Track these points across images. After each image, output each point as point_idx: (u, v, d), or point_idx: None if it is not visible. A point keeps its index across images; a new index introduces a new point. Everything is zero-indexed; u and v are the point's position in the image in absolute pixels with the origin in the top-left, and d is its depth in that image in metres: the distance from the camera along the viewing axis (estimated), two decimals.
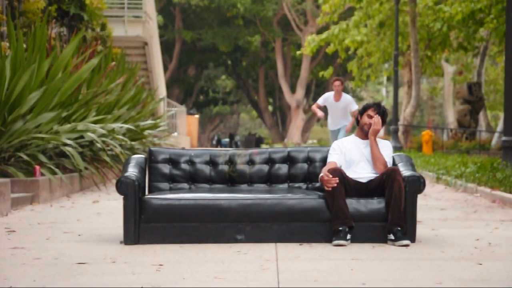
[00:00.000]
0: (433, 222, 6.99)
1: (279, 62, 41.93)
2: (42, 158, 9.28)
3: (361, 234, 5.51)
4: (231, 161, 6.18)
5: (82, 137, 10.26)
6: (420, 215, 7.06)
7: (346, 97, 13.07)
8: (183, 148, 6.47)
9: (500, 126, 27.58)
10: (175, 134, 28.71)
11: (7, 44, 10.61)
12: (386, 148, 5.95)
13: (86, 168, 10.41)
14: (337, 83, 13.00)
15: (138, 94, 14.06)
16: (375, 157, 5.82)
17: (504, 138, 11.66)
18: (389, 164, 5.86)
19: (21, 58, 9.27)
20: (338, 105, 13.00)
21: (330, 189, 5.48)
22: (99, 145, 10.27)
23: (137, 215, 5.48)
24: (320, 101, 13.22)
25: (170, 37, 43.92)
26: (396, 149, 20.60)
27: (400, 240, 5.39)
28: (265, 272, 4.35)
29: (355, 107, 12.95)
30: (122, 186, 5.48)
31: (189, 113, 38.83)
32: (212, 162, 6.20)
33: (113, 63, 13.15)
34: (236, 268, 4.48)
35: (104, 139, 10.51)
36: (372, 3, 24.26)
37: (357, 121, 6.01)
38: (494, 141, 26.28)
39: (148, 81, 25.42)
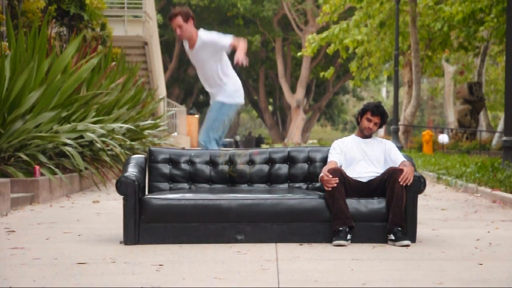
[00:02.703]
0: (434, 222, 6.98)
1: (279, 62, 41.92)
2: (42, 158, 9.27)
3: (361, 234, 5.50)
4: (231, 161, 6.16)
5: (82, 137, 10.24)
6: (421, 215, 7.05)
7: (202, 36, 7.44)
8: (183, 148, 6.46)
9: (500, 126, 27.57)
10: (175, 134, 28.68)
11: (7, 44, 10.60)
12: (392, 148, 5.91)
13: (86, 168, 10.40)
14: (175, 22, 7.40)
15: (138, 94, 14.03)
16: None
17: (504, 138, 11.65)
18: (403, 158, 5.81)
19: (21, 58, 9.26)
20: (197, 54, 7.55)
21: (330, 189, 5.47)
22: (99, 145, 10.26)
23: (137, 215, 5.47)
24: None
25: (170, 37, 43.91)
26: None
27: (401, 240, 5.38)
28: (265, 272, 4.34)
29: (227, 39, 7.36)
30: (122, 186, 5.47)
31: (189, 113, 38.80)
32: (212, 162, 6.19)
33: (113, 63, 13.13)
34: (236, 268, 4.47)
35: (104, 139, 10.50)
36: (373, 3, 24.26)
37: (357, 122, 5.99)
38: (494, 141, 26.28)
39: (148, 81, 25.40)
